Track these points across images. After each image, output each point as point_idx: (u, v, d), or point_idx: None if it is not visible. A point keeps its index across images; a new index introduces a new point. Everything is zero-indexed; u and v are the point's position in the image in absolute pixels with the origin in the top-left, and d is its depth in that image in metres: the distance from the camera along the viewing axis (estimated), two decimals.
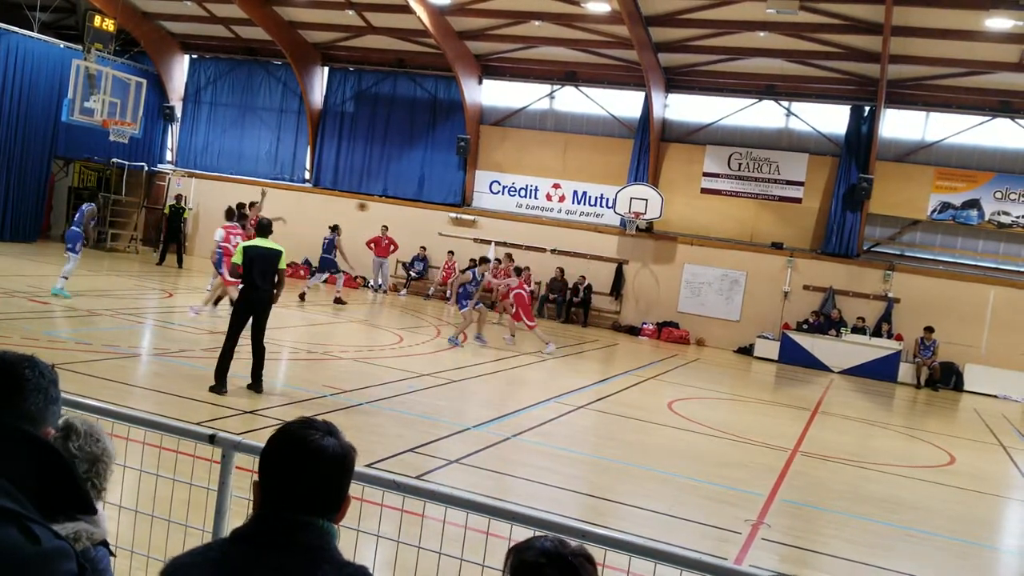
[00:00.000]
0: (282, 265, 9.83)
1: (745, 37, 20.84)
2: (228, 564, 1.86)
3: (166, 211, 25.56)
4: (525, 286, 17.59)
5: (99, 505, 2.45)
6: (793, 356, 20.97)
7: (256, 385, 9.78)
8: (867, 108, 21.71)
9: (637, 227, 23.02)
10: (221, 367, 9.57)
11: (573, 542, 1.93)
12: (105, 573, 2.09)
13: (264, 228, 10.13)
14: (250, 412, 8.97)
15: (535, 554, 1.85)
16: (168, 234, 24.78)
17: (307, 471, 1.90)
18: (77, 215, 16.06)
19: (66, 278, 14.97)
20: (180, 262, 24.09)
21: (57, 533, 1.70)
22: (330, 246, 20.42)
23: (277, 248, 9.87)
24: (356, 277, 24.77)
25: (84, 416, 2.65)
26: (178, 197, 26.10)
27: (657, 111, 23.01)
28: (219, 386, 9.50)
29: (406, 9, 21.67)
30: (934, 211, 21.43)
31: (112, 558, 2.19)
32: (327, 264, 20.51)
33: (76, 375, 9.19)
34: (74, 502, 1.86)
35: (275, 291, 9.85)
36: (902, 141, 22.00)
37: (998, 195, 20.92)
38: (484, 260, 18.07)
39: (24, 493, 1.68)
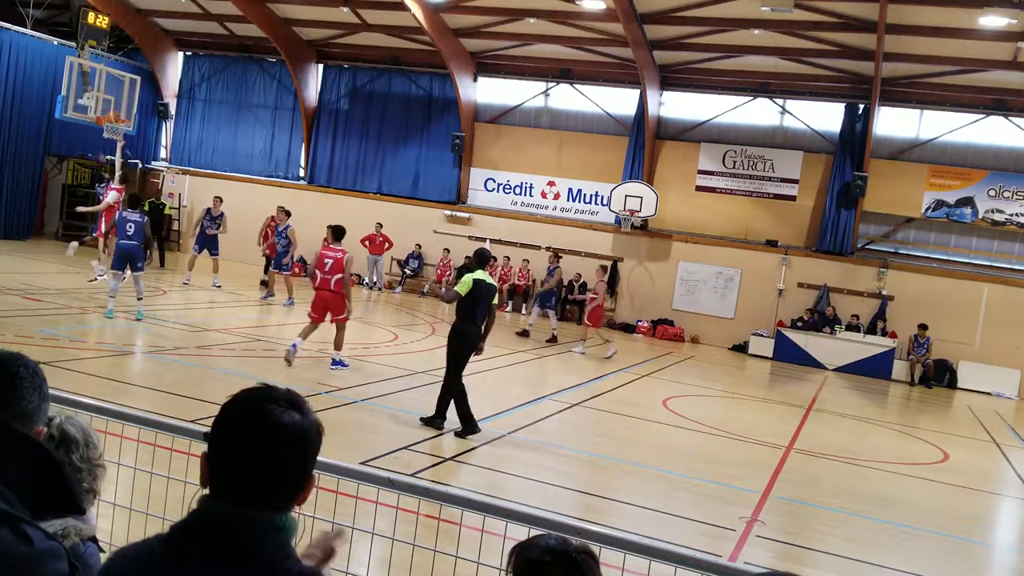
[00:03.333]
0: (495, 302, 9.49)
1: (740, 35, 20.85)
2: (162, 568, 1.64)
3: (145, 208, 24.99)
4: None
5: (91, 507, 2.42)
6: (787, 353, 20.99)
7: (469, 428, 9.17)
8: (861, 106, 21.74)
9: (632, 225, 23.03)
10: (464, 410, 9.12)
11: (576, 540, 1.93)
12: (95, 570, 2.09)
13: (484, 260, 9.66)
14: None
15: (540, 552, 1.84)
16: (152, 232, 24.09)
17: (260, 452, 1.60)
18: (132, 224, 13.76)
19: (140, 299, 13.88)
20: (163, 261, 22.80)
21: (49, 534, 1.69)
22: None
23: (494, 284, 9.57)
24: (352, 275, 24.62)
25: (69, 414, 2.57)
26: (157, 193, 25.72)
27: (652, 109, 23.01)
28: (470, 429, 9.15)
29: (401, 6, 21.63)
30: (928, 209, 21.47)
31: (102, 554, 2.19)
32: (549, 296, 18.84)
33: (70, 372, 9.17)
34: (65, 502, 1.85)
35: (485, 329, 9.40)
36: (896, 139, 22.03)
37: (992, 193, 20.98)
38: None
39: (16, 493, 1.68)
